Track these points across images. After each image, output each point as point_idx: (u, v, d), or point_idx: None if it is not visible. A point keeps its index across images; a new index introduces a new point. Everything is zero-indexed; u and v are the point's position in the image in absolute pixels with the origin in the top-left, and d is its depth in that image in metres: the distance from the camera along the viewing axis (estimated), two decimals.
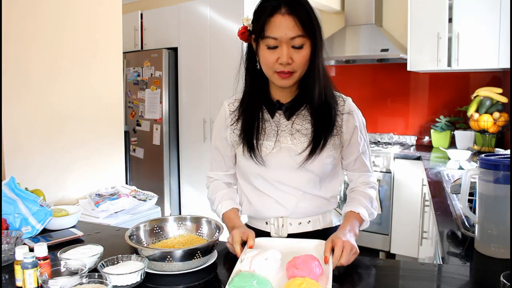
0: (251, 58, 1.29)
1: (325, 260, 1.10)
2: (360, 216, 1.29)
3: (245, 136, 1.30)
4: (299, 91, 1.30)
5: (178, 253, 1.10)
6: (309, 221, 1.35)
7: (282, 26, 1.15)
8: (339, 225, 1.38)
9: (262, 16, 1.18)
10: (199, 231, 1.34)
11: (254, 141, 1.28)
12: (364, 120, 1.37)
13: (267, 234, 1.35)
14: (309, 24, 1.16)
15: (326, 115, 1.27)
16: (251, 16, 1.25)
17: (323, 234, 1.35)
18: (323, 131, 1.26)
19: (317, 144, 1.25)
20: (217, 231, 1.25)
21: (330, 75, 1.33)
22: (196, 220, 1.36)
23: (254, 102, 1.31)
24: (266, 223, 1.36)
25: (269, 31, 1.16)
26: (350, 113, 1.31)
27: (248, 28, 1.25)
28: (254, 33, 1.22)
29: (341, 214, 1.41)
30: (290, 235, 1.33)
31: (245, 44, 1.33)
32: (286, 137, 1.28)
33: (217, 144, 1.42)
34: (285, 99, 1.31)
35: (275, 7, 1.15)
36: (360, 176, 1.38)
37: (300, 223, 1.34)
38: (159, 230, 1.33)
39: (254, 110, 1.31)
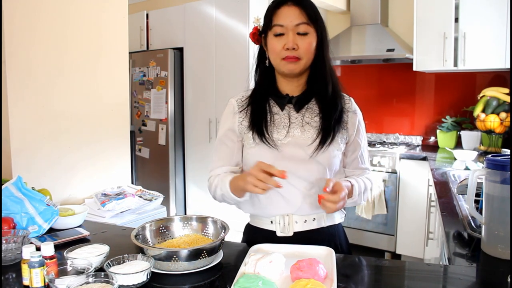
0: (262, 57, 1.38)
1: (324, 188, 1.18)
2: (352, 189, 1.32)
3: (254, 125, 1.33)
4: (308, 85, 1.36)
5: (184, 252, 1.10)
6: (314, 218, 1.34)
7: (288, 14, 1.26)
8: (340, 223, 1.43)
9: (270, 10, 1.30)
10: (204, 231, 1.34)
11: (264, 129, 1.31)
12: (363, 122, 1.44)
13: (272, 233, 1.35)
14: (313, 14, 1.27)
15: (334, 108, 1.32)
16: (261, 16, 1.34)
17: (327, 232, 1.37)
18: (332, 124, 1.31)
19: (326, 135, 1.30)
20: (223, 231, 1.25)
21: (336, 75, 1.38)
22: (202, 220, 1.36)
23: (262, 94, 1.37)
24: (271, 222, 1.35)
25: (276, 20, 1.27)
26: (355, 112, 1.39)
27: (258, 28, 1.35)
28: (264, 29, 1.32)
29: (343, 212, 1.46)
30: (296, 233, 1.33)
31: (254, 46, 1.41)
32: (296, 129, 1.32)
33: (225, 133, 1.39)
34: (295, 93, 1.36)
35: (281, 1, 1.27)
36: (360, 174, 1.43)
37: (306, 220, 1.34)
38: (165, 230, 1.33)
39: (262, 102, 1.36)
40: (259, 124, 1.32)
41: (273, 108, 1.35)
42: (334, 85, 1.34)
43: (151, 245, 1.26)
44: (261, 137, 1.30)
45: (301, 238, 1.33)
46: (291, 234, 1.33)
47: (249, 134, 1.34)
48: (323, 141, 1.29)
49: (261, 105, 1.35)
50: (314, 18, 1.27)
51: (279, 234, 1.34)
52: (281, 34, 1.26)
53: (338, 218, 1.42)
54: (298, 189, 1.31)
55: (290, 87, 1.36)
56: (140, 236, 1.26)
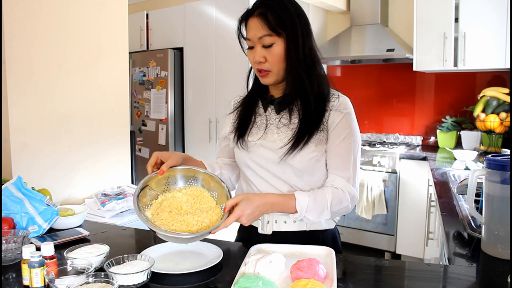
0: None
1: (224, 210, 1.19)
2: (295, 204, 1.24)
3: (237, 125, 1.40)
4: (289, 87, 1.31)
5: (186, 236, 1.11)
6: (294, 221, 1.32)
7: (252, 27, 1.26)
8: (329, 229, 1.38)
9: (239, 23, 1.31)
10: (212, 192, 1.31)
11: (239, 133, 1.37)
12: (354, 124, 1.31)
13: (255, 229, 1.36)
14: (278, 22, 1.22)
15: (313, 111, 1.27)
16: None
17: (311, 236, 1.34)
18: (307, 127, 1.27)
19: (299, 140, 1.26)
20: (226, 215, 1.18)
21: (324, 73, 1.33)
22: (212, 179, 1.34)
23: (251, 96, 1.41)
24: None
25: (246, 33, 1.29)
26: (338, 110, 1.28)
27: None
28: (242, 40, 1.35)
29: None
30: (275, 233, 1.34)
31: None
32: (272, 130, 1.33)
33: (225, 131, 1.48)
34: (278, 95, 1.36)
35: (249, 13, 1.28)
36: (330, 177, 1.30)
37: (286, 221, 1.33)
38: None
39: (250, 103, 1.40)
40: (240, 124, 1.38)
41: (259, 110, 1.39)
42: (317, 85, 1.28)
43: (155, 224, 1.18)
44: (236, 139, 1.37)
45: (281, 238, 1.32)
46: (269, 232, 1.33)
47: (232, 135, 1.41)
48: (294, 146, 1.25)
49: (247, 109, 1.39)
50: (280, 25, 1.22)
51: (259, 231, 1.35)
52: (251, 47, 1.28)
53: (325, 224, 1.36)
54: (277, 188, 1.32)
55: (276, 90, 1.36)
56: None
